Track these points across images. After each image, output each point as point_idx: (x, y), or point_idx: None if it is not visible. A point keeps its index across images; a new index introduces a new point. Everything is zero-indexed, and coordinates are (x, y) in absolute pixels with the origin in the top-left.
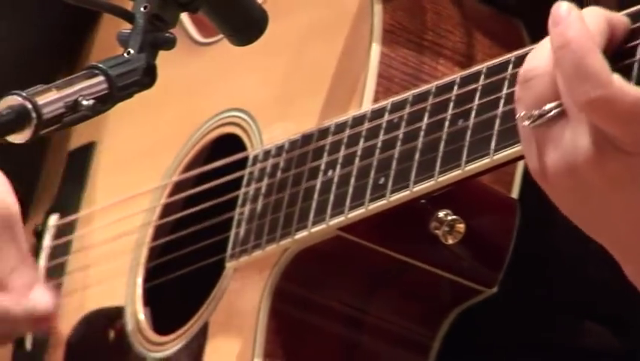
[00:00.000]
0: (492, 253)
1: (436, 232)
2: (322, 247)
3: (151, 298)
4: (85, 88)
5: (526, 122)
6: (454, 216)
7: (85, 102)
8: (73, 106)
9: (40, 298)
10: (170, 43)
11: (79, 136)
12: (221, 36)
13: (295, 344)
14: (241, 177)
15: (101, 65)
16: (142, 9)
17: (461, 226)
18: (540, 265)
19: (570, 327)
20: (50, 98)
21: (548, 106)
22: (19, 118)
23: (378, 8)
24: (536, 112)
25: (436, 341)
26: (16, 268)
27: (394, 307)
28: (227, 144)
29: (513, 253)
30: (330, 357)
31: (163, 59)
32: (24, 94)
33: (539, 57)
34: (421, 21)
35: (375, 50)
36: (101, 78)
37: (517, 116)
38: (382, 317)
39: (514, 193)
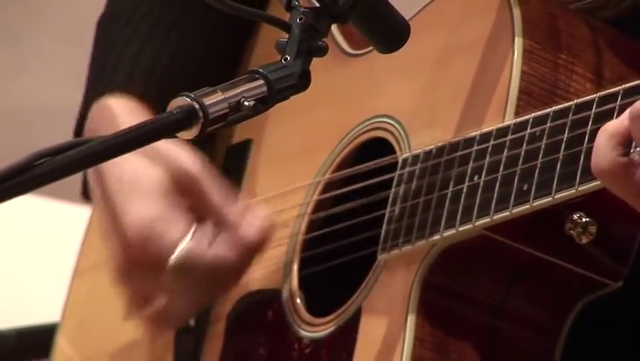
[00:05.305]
0: (620, 251)
1: (571, 232)
2: (468, 243)
3: (305, 284)
4: (247, 90)
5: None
6: (587, 219)
7: (246, 103)
8: (236, 106)
9: (250, 225)
10: (322, 51)
11: (236, 134)
12: (368, 49)
13: (442, 329)
14: (389, 178)
15: (261, 70)
16: (298, 20)
17: (593, 228)
18: None
19: None
20: (216, 99)
21: None
22: (187, 117)
23: (519, 31)
24: None
25: (564, 327)
26: (210, 214)
27: (530, 297)
28: (374, 148)
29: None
30: (474, 342)
31: (315, 67)
32: (192, 95)
33: None
34: (557, 42)
35: (517, 68)
36: (261, 82)
37: (632, 150)
38: (519, 306)
39: None
